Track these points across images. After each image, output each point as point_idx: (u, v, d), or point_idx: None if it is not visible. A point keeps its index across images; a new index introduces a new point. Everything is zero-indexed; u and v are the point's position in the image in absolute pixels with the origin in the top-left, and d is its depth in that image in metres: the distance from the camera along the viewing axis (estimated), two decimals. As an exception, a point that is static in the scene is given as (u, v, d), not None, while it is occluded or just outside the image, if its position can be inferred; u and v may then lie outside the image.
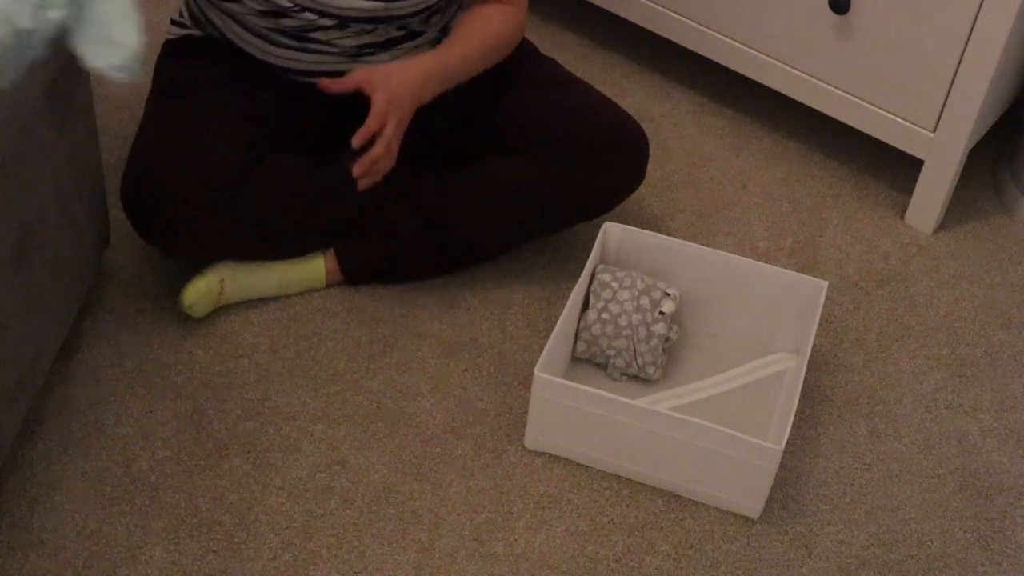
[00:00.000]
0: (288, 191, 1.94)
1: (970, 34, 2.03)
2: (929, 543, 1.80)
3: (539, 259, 2.10)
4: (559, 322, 1.84)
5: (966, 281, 2.17)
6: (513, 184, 1.98)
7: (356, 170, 1.87)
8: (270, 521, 1.74)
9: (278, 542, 1.73)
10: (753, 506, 1.79)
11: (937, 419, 1.96)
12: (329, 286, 2.04)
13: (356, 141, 1.85)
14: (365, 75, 1.86)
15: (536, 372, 1.77)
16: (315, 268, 2.01)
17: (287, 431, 1.85)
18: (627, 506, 1.81)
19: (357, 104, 2.06)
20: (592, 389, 1.77)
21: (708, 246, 2.11)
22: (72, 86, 1.72)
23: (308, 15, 1.85)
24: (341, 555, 1.72)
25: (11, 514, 1.72)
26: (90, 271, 1.90)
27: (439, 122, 2.05)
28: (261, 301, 1.99)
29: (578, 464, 1.84)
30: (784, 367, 1.98)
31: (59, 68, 1.68)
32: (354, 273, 2.03)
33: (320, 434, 1.85)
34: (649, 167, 2.25)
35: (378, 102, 1.84)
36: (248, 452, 1.81)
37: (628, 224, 2.00)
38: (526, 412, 1.84)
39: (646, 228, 2.12)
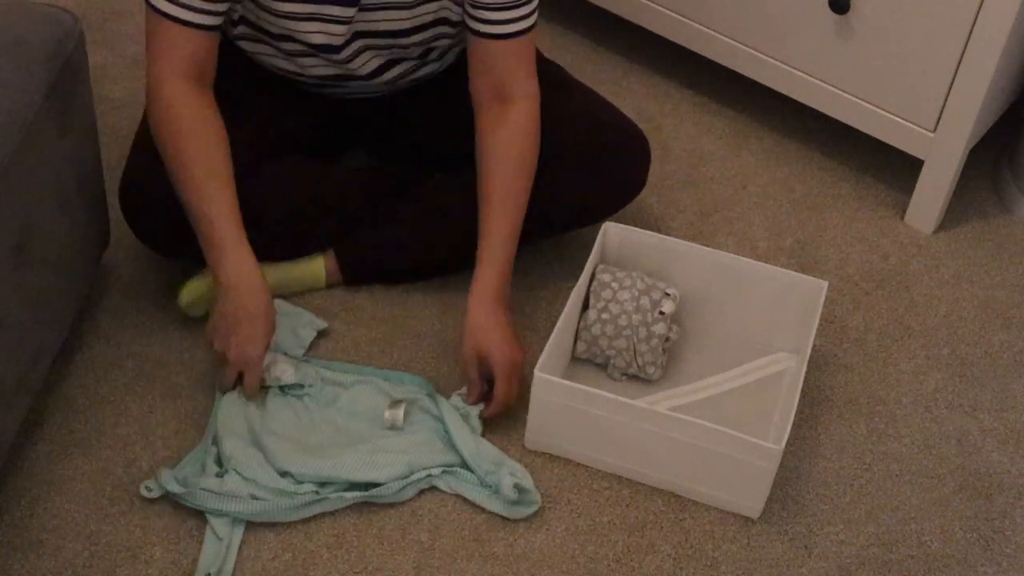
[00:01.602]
0: (288, 193, 1.94)
1: (970, 34, 2.03)
2: (929, 543, 1.80)
3: (539, 259, 2.10)
4: (559, 322, 1.84)
5: (966, 281, 2.17)
6: None
7: (488, 414, 1.85)
8: (270, 521, 1.74)
9: (278, 542, 1.73)
10: (753, 506, 1.79)
11: (937, 419, 1.96)
12: (329, 286, 2.04)
13: (491, 413, 1.84)
14: (471, 353, 1.82)
15: (536, 372, 1.77)
16: (315, 268, 2.01)
17: (287, 431, 1.85)
18: (627, 506, 1.81)
19: (356, 107, 2.06)
20: (592, 389, 1.77)
21: (708, 246, 2.11)
22: (72, 86, 1.72)
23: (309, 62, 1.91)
24: (341, 555, 1.72)
25: (11, 514, 1.72)
26: (90, 271, 1.90)
27: (442, 123, 2.06)
28: (261, 301, 1.99)
29: (578, 464, 1.84)
30: (784, 367, 1.98)
31: (59, 68, 1.68)
32: (354, 273, 2.03)
33: (320, 434, 1.85)
34: (649, 167, 2.25)
35: (500, 383, 1.82)
36: (248, 452, 1.81)
37: (628, 224, 2.00)
38: (526, 412, 1.84)
39: (646, 228, 2.12)
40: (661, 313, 1.90)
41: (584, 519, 1.79)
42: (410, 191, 2.04)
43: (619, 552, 1.75)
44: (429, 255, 2.03)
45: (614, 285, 1.92)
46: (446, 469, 1.79)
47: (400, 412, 1.82)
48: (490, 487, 1.77)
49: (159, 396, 1.87)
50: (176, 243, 1.89)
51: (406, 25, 1.85)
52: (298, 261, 2.01)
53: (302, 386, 1.85)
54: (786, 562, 1.76)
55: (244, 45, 1.93)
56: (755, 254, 2.17)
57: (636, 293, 1.91)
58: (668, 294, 1.92)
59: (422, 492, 1.78)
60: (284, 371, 1.83)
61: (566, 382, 1.78)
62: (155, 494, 1.72)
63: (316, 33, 1.82)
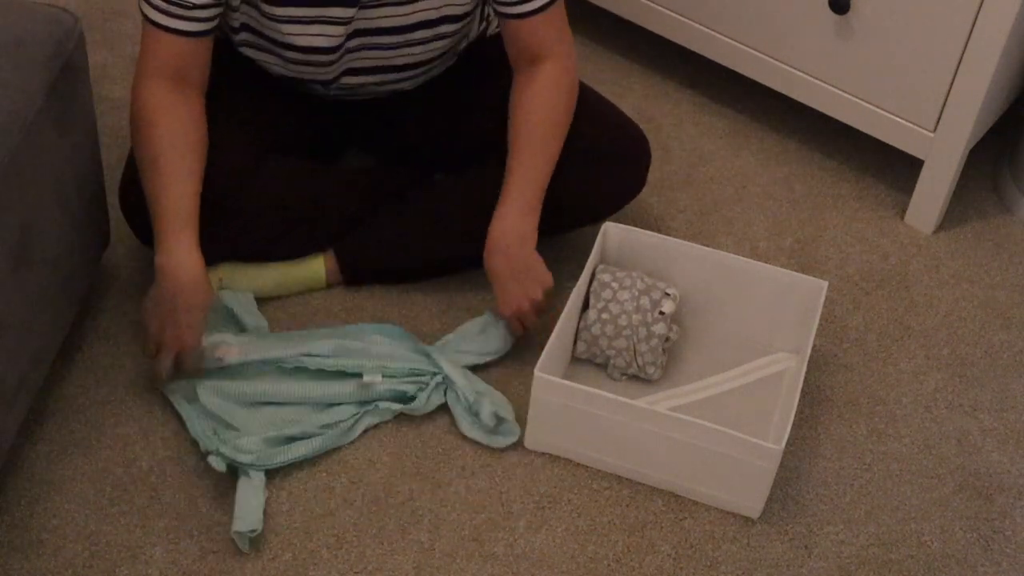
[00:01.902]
0: (288, 193, 1.94)
1: (970, 34, 2.03)
2: (929, 543, 1.80)
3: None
4: (559, 322, 1.84)
5: (966, 281, 2.17)
6: None
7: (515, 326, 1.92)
8: (270, 521, 1.74)
9: (278, 542, 1.73)
10: (753, 506, 1.79)
11: (937, 419, 1.96)
12: (329, 286, 2.04)
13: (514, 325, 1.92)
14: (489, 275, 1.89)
15: (536, 372, 1.77)
16: (315, 268, 2.01)
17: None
18: (627, 506, 1.81)
19: (356, 108, 2.06)
20: (592, 389, 1.77)
21: (708, 246, 2.11)
22: (72, 86, 1.72)
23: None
24: (341, 555, 1.72)
25: (11, 514, 1.72)
26: (90, 271, 1.90)
27: (442, 123, 2.06)
28: (261, 301, 1.99)
29: (578, 464, 1.84)
30: (784, 367, 1.98)
31: (59, 68, 1.68)
32: (354, 273, 2.03)
33: (320, 434, 1.85)
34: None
35: (501, 294, 1.89)
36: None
37: (628, 224, 2.00)
38: (526, 412, 1.84)
39: (646, 228, 2.12)
40: (661, 313, 1.90)
41: (584, 519, 1.79)
42: (410, 191, 2.04)
43: (619, 552, 1.75)
44: (429, 255, 2.03)
45: (614, 285, 1.92)
46: (447, 378, 1.86)
47: (377, 376, 1.85)
48: (475, 415, 1.82)
49: (159, 396, 1.87)
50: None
51: (407, 21, 1.85)
52: (298, 261, 2.01)
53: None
54: (786, 562, 1.76)
55: (247, 52, 1.93)
56: (755, 254, 2.17)
57: (636, 293, 1.91)
58: (668, 294, 1.92)
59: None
60: (226, 351, 1.84)
61: (566, 382, 1.78)
62: (223, 466, 1.74)
63: (317, 36, 1.82)
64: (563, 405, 1.78)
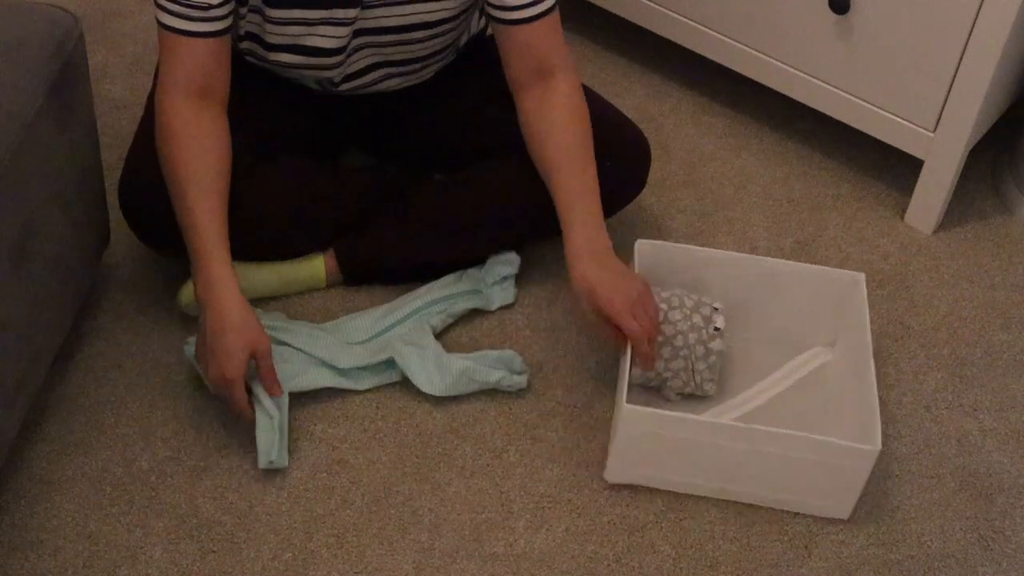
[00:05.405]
0: (288, 193, 1.94)
1: (970, 34, 2.03)
2: (929, 543, 1.80)
3: (539, 259, 2.10)
4: (628, 349, 1.79)
5: (966, 281, 2.17)
6: (512, 188, 1.97)
7: (642, 368, 1.83)
8: (270, 521, 1.75)
9: (278, 542, 1.73)
10: (844, 507, 1.78)
11: (937, 419, 1.96)
12: (329, 286, 2.04)
13: (642, 357, 1.81)
14: (591, 315, 1.81)
15: (624, 404, 1.72)
16: (315, 268, 2.01)
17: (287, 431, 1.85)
18: (627, 506, 1.81)
19: (356, 106, 2.06)
20: (685, 415, 1.73)
21: (707, 246, 2.11)
22: (72, 86, 1.72)
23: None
24: (341, 555, 1.72)
25: (11, 514, 1.72)
26: (90, 271, 1.90)
27: (442, 123, 2.06)
28: (261, 301, 1.99)
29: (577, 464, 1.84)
30: (822, 361, 1.96)
31: (59, 68, 1.68)
32: (354, 273, 2.03)
33: (320, 434, 1.85)
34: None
35: (624, 324, 1.78)
36: (248, 452, 1.81)
37: (627, 224, 2.00)
38: (526, 412, 1.83)
39: (646, 228, 2.12)
40: (716, 329, 1.86)
41: (584, 519, 1.79)
42: (410, 191, 2.04)
43: (619, 552, 1.75)
44: (429, 255, 2.03)
45: (663, 307, 1.86)
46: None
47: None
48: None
49: (159, 396, 1.87)
50: (176, 243, 1.89)
51: (408, 21, 1.85)
52: (298, 260, 2.01)
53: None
54: (786, 562, 1.76)
55: (251, 60, 1.93)
56: (755, 254, 2.16)
57: (687, 312, 1.86)
58: (716, 308, 1.88)
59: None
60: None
61: (657, 411, 1.73)
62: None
63: (322, 37, 1.82)
64: (652, 434, 1.74)
